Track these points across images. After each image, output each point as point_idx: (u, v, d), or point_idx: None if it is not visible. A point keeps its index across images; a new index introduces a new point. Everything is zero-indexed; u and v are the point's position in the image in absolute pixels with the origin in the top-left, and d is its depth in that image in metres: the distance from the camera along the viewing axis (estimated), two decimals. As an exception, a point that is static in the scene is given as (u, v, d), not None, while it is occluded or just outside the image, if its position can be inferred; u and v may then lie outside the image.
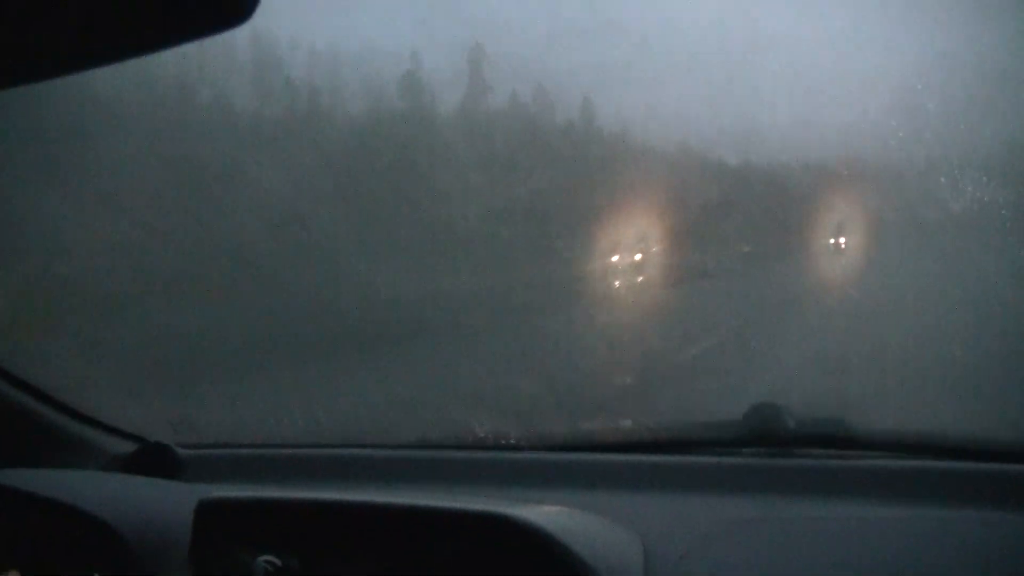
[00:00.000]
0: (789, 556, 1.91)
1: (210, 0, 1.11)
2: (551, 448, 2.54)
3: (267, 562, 1.91)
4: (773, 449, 2.27)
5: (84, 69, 1.25)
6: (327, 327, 4.97)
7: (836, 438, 2.28)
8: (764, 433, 2.29)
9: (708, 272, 12.66)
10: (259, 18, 1.10)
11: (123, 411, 2.96)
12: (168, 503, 2.13)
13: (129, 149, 4.22)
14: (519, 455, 2.51)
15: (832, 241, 14.55)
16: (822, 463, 2.24)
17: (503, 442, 2.56)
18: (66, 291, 3.94)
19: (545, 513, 1.93)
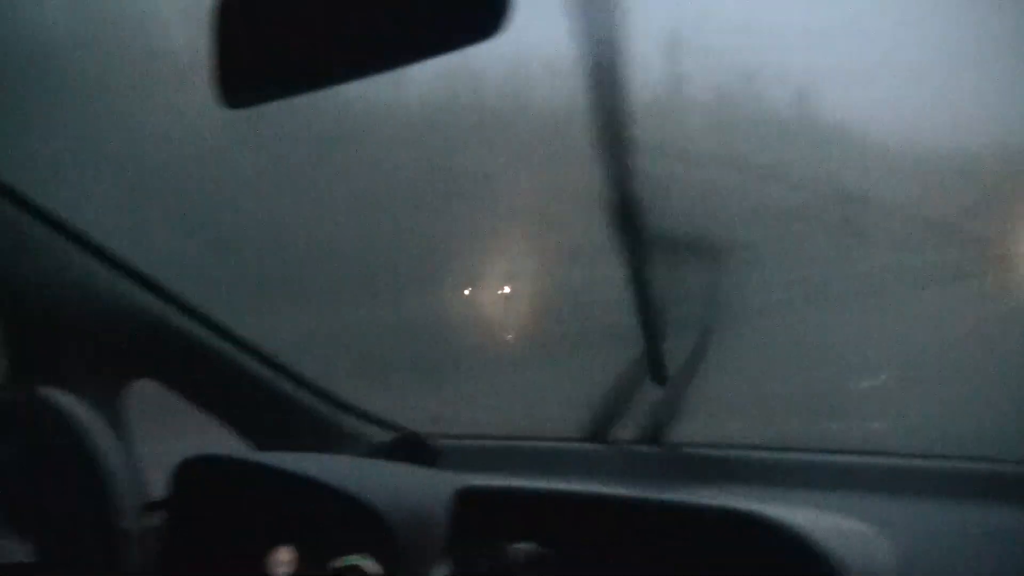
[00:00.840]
0: None
1: (467, 15, 1.15)
2: (801, 449, 2.48)
3: (523, 551, 1.93)
4: None
5: (346, 81, 1.31)
6: (579, 324, 5.00)
7: None
8: None
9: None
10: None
11: (379, 400, 3.09)
12: (427, 491, 2.20)
13: (377, 154, 4.40)
14: (770, 455, 2.46)
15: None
16: None
17: (754, 443, 2.52)
18: (327, 283, 4.15)
19: (802, 514, 1.88)
